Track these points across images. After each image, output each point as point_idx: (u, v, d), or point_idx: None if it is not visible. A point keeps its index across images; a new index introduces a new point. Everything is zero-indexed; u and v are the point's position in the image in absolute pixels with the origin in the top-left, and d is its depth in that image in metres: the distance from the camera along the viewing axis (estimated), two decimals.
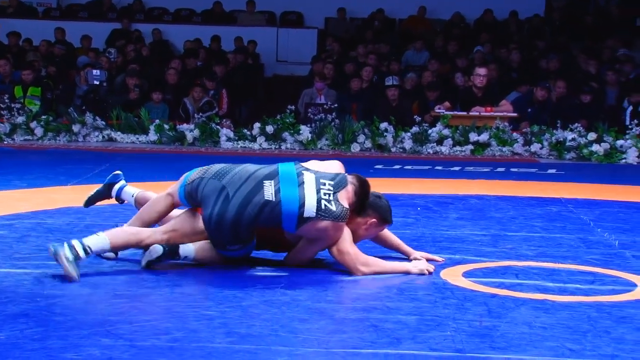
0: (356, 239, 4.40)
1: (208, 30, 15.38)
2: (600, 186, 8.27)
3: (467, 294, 3.96)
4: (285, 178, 4.22)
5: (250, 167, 4.31)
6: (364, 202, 4.36)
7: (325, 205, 4.15)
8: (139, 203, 4.70)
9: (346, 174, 4.37)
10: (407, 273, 4.32)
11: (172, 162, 9.72)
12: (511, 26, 15.55)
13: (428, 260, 4.53)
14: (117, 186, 4.85)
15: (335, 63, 13.61)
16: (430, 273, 4.33)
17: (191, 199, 4.32)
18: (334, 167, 4.42)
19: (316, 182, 4.22)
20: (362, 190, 4.35)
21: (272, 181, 4.20)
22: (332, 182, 4.25)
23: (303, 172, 4.27)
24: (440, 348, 3.16)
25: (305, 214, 4.14)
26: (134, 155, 10.28)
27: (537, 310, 3.69)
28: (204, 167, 4.40)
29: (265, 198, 4.15)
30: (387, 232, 4.65)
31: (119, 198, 4.86)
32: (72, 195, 6.56)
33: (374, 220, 4.43)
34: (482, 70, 11.47)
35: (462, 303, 3.78)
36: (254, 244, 4.33)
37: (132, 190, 4.83)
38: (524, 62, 13.83)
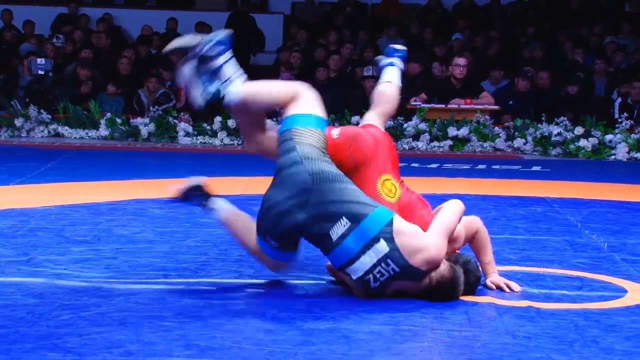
0: None
1: (163, 15, 15.29)
2: (588, 184, 8.34)
3: (445, 301, 3.97)
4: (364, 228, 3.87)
5: (357, 194, 3.99)
6: None
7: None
8: None
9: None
10: None
11: (125, 159, 9.66)
12: (493, 12, 15.63)
13: None
14: None
15: (302, 51, 13.61)
16: None
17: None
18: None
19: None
20: None
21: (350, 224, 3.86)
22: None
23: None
24: None
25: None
26: (83, 152, 10.20)
27: (521, 319, 3.72)
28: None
29: (331, 236, 3.87)
30: None
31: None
32: (14, 196, 6.49)
33: None
34: (461, 60, 11.52)
35: (441, 311, 3.80)
36: (294, 258, 4.09)
37: None
38: (505, 51, 13.91)
